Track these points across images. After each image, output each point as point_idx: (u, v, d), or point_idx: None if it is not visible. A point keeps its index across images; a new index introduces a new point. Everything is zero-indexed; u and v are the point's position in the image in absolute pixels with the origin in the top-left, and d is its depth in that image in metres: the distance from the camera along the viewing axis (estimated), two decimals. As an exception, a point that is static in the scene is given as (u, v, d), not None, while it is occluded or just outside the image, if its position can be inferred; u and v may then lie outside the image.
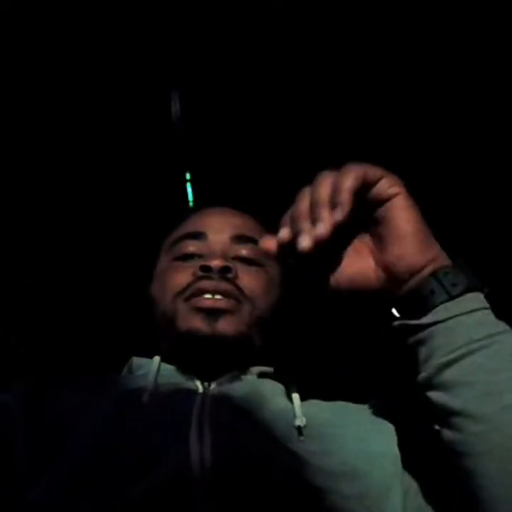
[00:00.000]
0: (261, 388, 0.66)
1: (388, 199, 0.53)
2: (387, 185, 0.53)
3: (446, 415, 0.49)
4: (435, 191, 1.35)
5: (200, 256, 0.76)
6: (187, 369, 0.71)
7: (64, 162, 1.30)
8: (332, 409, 0.65)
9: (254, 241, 0.76)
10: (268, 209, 0.83)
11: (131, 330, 1.13)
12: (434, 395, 0.50)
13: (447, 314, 0.50)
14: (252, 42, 1.31)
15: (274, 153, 1.35)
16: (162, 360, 0.71)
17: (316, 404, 0.65)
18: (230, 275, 0.72)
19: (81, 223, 1.30)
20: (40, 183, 1.30)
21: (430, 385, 0.50)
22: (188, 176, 1.36)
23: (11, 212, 1.26)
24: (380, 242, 0.53)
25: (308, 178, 1.39)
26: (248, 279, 0.74)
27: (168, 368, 0.71)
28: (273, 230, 0.86)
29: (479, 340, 0.49)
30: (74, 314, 1.25)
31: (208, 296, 0.70)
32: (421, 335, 0.51)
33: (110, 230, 1.31)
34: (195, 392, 0.65)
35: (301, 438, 0.59)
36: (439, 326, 0.50)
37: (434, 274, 0.51)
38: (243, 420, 0.59)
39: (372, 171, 0.53)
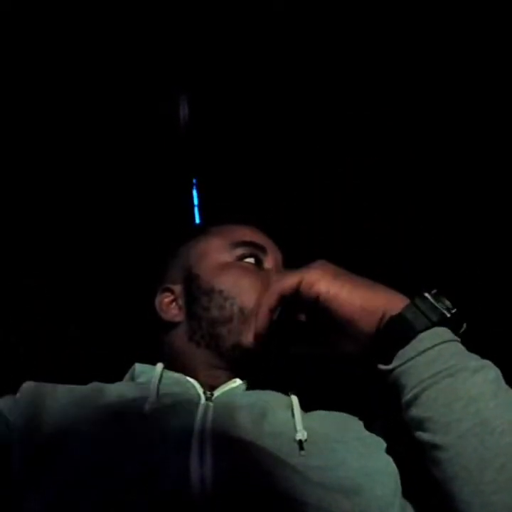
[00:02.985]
0: (262, 400, 0.65)
1: (315, 298, 0.60)
2: (307, 288, 0.61)
3: (422, 446, 0.55)
4: (435, 192, 1.35)
5: (259, 261, 0.81)
6: (189, 377, 0.70)
7: (67, 164, 1.30)
8: (334, 423, 0.65)
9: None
10: (274, 213, 0.84)
11: (133, 330, 1.13)
12: (411, 429, 0.56)
13: (403, 359, 0.57)
14: (252, 42, 1.31)
15: (282, 157, 1.35)
16: (165, 366, 0.71)
17: (318, 417, 0.65)
18: None
19: (83, 223, 1.30)
20: (42, 182, 1.30)
21: (406, 420, 0.57)
22: (194, 180, 1.36)
23: (12, 213, 1.25)
24: (336, 326, 0.61)
25: (312, 181, 1.40)
26: None
27: (171, 376, 0.70)
28: (277, 235, 0.87)
29: (429, 377, 0.55)
30: (74, 314, 1.25)
31: None
32: (391, 377, 0.58)
33: (114, 232, 1.31)
34: (197, 402, 0.64)
35: (302, 452, 0.59)
36: (399, 369, 0.57)
37: (387, 326, 0.58)
38: (244, 433, 0.58)
39: (288, 282, 0.62)
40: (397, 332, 0.57)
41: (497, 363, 0.58)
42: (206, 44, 1.31)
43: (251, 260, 0.80)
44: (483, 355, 0.59)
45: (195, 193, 1.36)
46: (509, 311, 1.23)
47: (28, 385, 0.68)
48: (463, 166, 1.33)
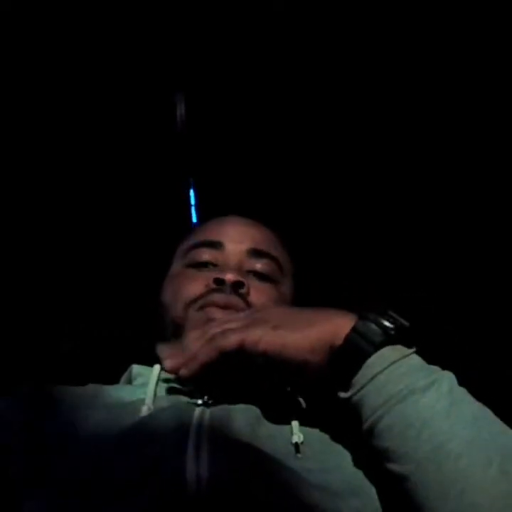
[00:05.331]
0: (259, 404, 0.65)
1: (263, 353, 0.57)
2: (252, 348, 0.58)
3: (389, 475, 0.53)
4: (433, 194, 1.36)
5: (214, 265, 0.76)
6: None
7: (65, 162, 1.30)
8: (330, 426, 0.64)
9: (270, 256, 0.78)
10: (271, 213, 0.84)
11: (132, 330, 1.14)
12: (377, 458, 0.54)
13: (356, 387, 0.55)
14: (251, 41, 1.31)
15: (278, 156, 1.35)
16: (162, 368, 0.71)
17: (314, 421, 0.65)
18: (242, 290, 0.72)
19: (83, 224, 1.30)
20: (39, 181, 1.30)
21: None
22: (191, 180, 1.36)
23: (13, 213, 1.26)
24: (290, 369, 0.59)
25: (313, 181, 1.39)
26: (259, 296, 0.74)
27: (168, 379, 0.70)
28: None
29: (381, 406, 0.53)
30: (72, 315, 1.25)
31: (219, 309, 0.70)
32: (350, 405, 0.56)
33: (112, 232, 1.31)
34: (194, 406, 0.63)
35: (299, 455, 0.58)
36: (354, 398, 0.55)
37: (336, 358, 0.56)
38: (240, 436, 0.58)
39: (229, 343, 0.59)
40: (345, 361, 0.56)
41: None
42: (205, 43, 1.31)
43: (198, 265, 0.77)
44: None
45: (192, 192, 1.37)
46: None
47: (27, 386, 0.68)
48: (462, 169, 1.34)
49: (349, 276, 1.28)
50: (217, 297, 0.71)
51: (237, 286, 0.72)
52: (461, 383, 0.55)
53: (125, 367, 0.77)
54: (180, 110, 1.33)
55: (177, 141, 1.35)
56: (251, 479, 0.53)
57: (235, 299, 0.71)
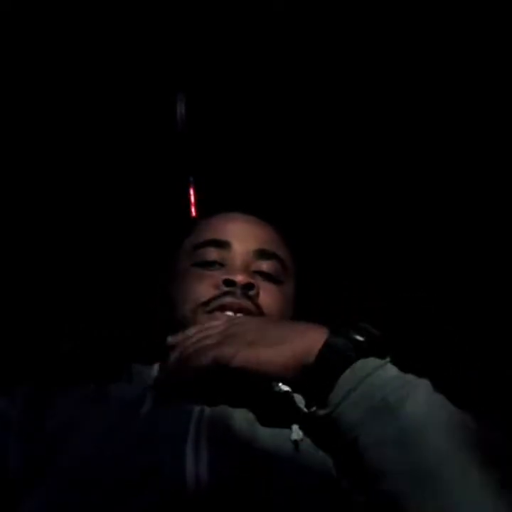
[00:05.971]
0: (259, 403, 0.65)
1: (238, 369, 0.58)
2: (226, 364, 0.58)
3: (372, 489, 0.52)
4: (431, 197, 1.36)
5: (221, 265, 0.77)
6: None
7: (68, 162, 1.30)
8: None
9: (277, 257, 0.79)
10: (272, 213, 0.84)
11: (132, 330, 1.14)
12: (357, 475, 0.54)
13: (332, 405, 0.54)
14: (251, 41, 1.31)
15: (278, 155, 1.36)
16: (161, 367, 0.71)
17: (313, 420, 0.65)
18: (251, 292, 0.73)
19: (83, 223, 1.31)
20: (43, 182, 1.31)
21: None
22: (191, 178, 1.37)
23: (13, 212, 1.26)
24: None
25: (313, 181, 1.40)
26: (267, 297, 0.75)
27: None
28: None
29: (357, 423, 0.52)
30: (74, 315, 1.25)
31: (230, 313, 0.71)
32: (328, 422, 0.55)
33: (112, 231, 1.31)
34: (193, 404, 0.63)
35: (298, 453, 0.58)
36: (332, 416, 0.54)
37: (310, 374, 0.56)
38: (240, 433, 0.58)
39: (203, 362, 0.59)
40: (319, 379, 0.55)
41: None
42: (206, 43, 1.31)
43: (205, 264, 0.78)
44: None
45: (191, 192, 1.37)
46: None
47: (27, 386, 0.68)
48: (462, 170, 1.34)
49: (349, 276, 1.28)
50: (230, 301, 0.71)
51: (247, 288, 0.73)
52: (461, 383, 0.54)
53: (125, 367, 0.78)
54: (181, 110, 1.33)
55: (177, 141, 1.35)
56: (250, 478, 0.53)
57: (246, 303, 0.72)
